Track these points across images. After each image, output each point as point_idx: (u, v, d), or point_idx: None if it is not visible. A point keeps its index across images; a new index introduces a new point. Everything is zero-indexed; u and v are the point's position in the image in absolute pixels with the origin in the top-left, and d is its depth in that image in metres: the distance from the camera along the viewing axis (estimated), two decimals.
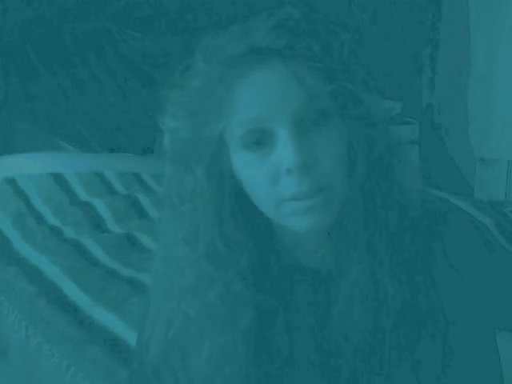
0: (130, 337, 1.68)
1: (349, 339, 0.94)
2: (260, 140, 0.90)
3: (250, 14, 0.93)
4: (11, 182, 2.58)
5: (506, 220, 2.30)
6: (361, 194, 0.93)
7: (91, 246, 2.18)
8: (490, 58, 3.45)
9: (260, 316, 0.97)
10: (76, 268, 2.04)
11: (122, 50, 3.25)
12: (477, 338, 0.97)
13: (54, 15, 3.19)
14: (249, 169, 0.92)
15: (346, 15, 3.65)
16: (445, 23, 3.76)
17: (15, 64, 3.08)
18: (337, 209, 0.92)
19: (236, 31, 0.92)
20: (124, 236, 2.28)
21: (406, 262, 0.95)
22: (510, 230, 2.19)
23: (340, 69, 0.91)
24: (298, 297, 0.99)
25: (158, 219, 1.04)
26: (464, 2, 3.57)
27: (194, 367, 0.97)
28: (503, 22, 3.39)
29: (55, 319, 1.84)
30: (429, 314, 0.95)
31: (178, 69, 0.94)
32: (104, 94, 3.17)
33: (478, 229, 1.01)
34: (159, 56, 3.22)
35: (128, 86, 3.22)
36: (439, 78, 3.81)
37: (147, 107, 3.05)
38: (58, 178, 2.61)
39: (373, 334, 0.94)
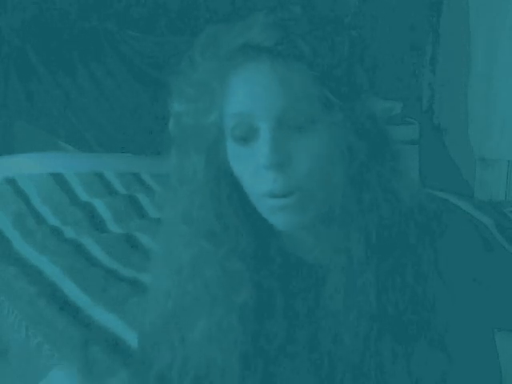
0: (130, 337, 1.68)
1: (339, 337, 0.95)
2: (246, 134, 0.92)
3: (249, 13, 0.94)
4: (11, 182, 2.58)
5: (506, 220, 2.31)
6: (355, 196, 0.94)
7: (91, 246, 2.18)
8: (490, 58, 3.45)
9: (258, 296, 0.98)
10: (76, 268, 2.04)
11: (122, 50, 3.25)
12: (476, 339, 0.97)
13: (54, 15, 3.19)
14: (237, 161, 0.94)
15: (345, 15, 3.65)
16: (445, 23, 3.76)
17: (15, 64, 3.08)
18: (313, 211, 0.93)
19: (233, 27, 0.93)
20: (124, 236, 2.28)
21: (403, 263, 0.95)
22: (510, 230, 2.19)
23: (330, 73, 0.91)
24: (294, 285, 1.00)
25: (160, 196, 1.08)
26: (464, 2, 3.57)
27: (191, 341, 0.99)
28: (503, 22, 3.39)
29: (55, 319, 1.84)
30: (423, 314, 0.95)
31: (184, 57, 0.96)
32: (104, 94, 3.17)
33: (478, 229, 1.01)
34: (159, 56, 3.22)
35: (128, 86, 3.22)
36: (439, 78, 3.81)
37: (147, 107, 3.05)
38: (58, 177, 2.61)
39: (363, 333, 0.94)
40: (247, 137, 0.92)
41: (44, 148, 2.86)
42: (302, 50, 0.90)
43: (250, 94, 0.90)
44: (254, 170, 0.92)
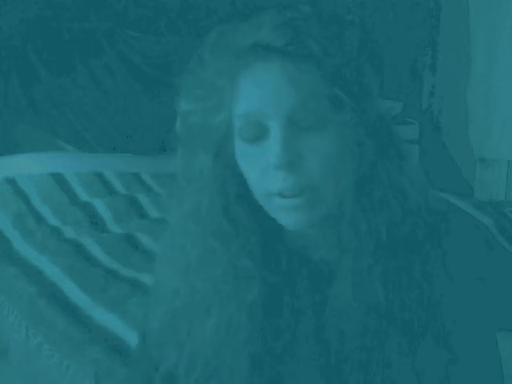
0: (130, 337, 1.68)
1: (346, 334, 0.95)
2: (256, 133, 0.92)
3: (250, 13, 0.94)
4: (11, 182, 2.58)
5: (506, 220, 2.31)
6: (363, 194, 0.94)
7: (91, 246, 2.18)
8: (490, 58, 3.45)
9: (266, 294, 0.98)
10: (76, 268, 2.04)
11: (122, 50, 3.25)
12: (477, 338, 0.97)
13: (53, 15, 3.18)
14: (245, 159, 0.94)
15: (347, 14, 3.65)
16: (445, 23, 3.76)
17: (15, 64, 3.08)
18: (323, 210, 0.93)
19: (243, 27, 0.93)
20: (124, 236, 2.28)
21: (406, 262, 0.95)
22: (509, 230, 2.19)
23: (340, 72, 0.91)
24: (302, 282, 1.00)
25: (167, 195, 1.07)
26: (464, 2, 3.57)
27: (200, 339, 0.99)
28: (503, 22, 3.39)
29: (55, 319, 1.84)
30: (429, 313, 0.95)
31: (194, 55, 0.96)
32: (104, 94, 3.17)
33: (478, 229, 1.01)
34: (159, 56, 3.22)
35: (128, 86, 3.22)
36: (439, 78, 3.81)
37: (147, 107, 3.05)
38: (57, 177, 2.61)
39: (371, 331, 0.94)
40: (257, 136, 0.92)
41: (44, 148, 2.85)
42: (312, 50, 0.90)
43: (260, 93, 0.90)
44: (263, 170, 0.92)
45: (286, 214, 0.93)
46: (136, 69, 3.25)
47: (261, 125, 0.91)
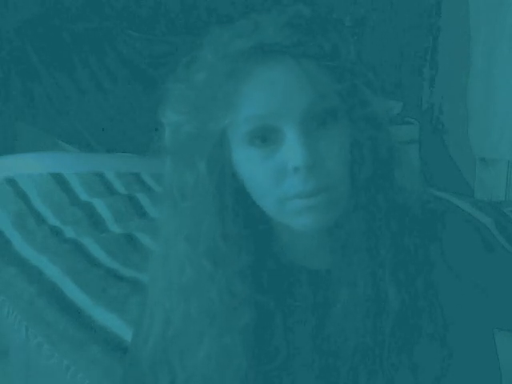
0: (130, 337, 1.67)
1: (348, 340, 0.94)
2: (266, 137, 0.89)
3: (250, 13, 0.93)
4: (11, 181, 2.58)
5: (506, 220, 2.30)
6: (362, 195, 0.93)
7: (91, 246, 2.18)
8: (490, 58, 3.45)
9: (258, 315, 0.96)
10: (76, 268, 2.04)
11: (122, 50, 3.25)
12: (476, 338, 0.97)
13: (54, 15, 3.19)
14: (252, 166, 0.91)
15: (346, 14, 3.65)
16: (445, 23, 3.76)
17: (15, 64, 3.08)
18: (339, 209, 0.91)
19: (245, 26, 0.91)
20: (124, 236, 2.27)
21: (405, 263, 0.95)
22: (509, 230, 2.19)
23: (348, 69, 0.91)
24: (296, 297, 0.99)
25: (157, 216, 1.03)
26: (464, 1, 3.57)
27: (193, 366, 0.96)
28: (503, 22, 3.39)
29: (55, 319, 1.84)
30: (428, 314, 0.94)
31: (182, 62, 0.93)
32: (104, 94, 3.17)
33: (478, 229, 1.01)
34: (159, 56, 3.22)
35: (128, 86, 3.22)
36: (439, 78, 3.81)
37: (147, 107, 3.05)
38: (57, 177, 2.61)
39: (372, 334, 0.94)
40: (266, 139, 0.89)
41: (44, 148, 2.86)
42: (323, 47, 0.89)
43: (272, 94, 0.88)
44: (277, 173, 0.89)
45: (304, 215, 0.89)
46: (136, 69, 3.26)
47: (272, 127, 0.88)
